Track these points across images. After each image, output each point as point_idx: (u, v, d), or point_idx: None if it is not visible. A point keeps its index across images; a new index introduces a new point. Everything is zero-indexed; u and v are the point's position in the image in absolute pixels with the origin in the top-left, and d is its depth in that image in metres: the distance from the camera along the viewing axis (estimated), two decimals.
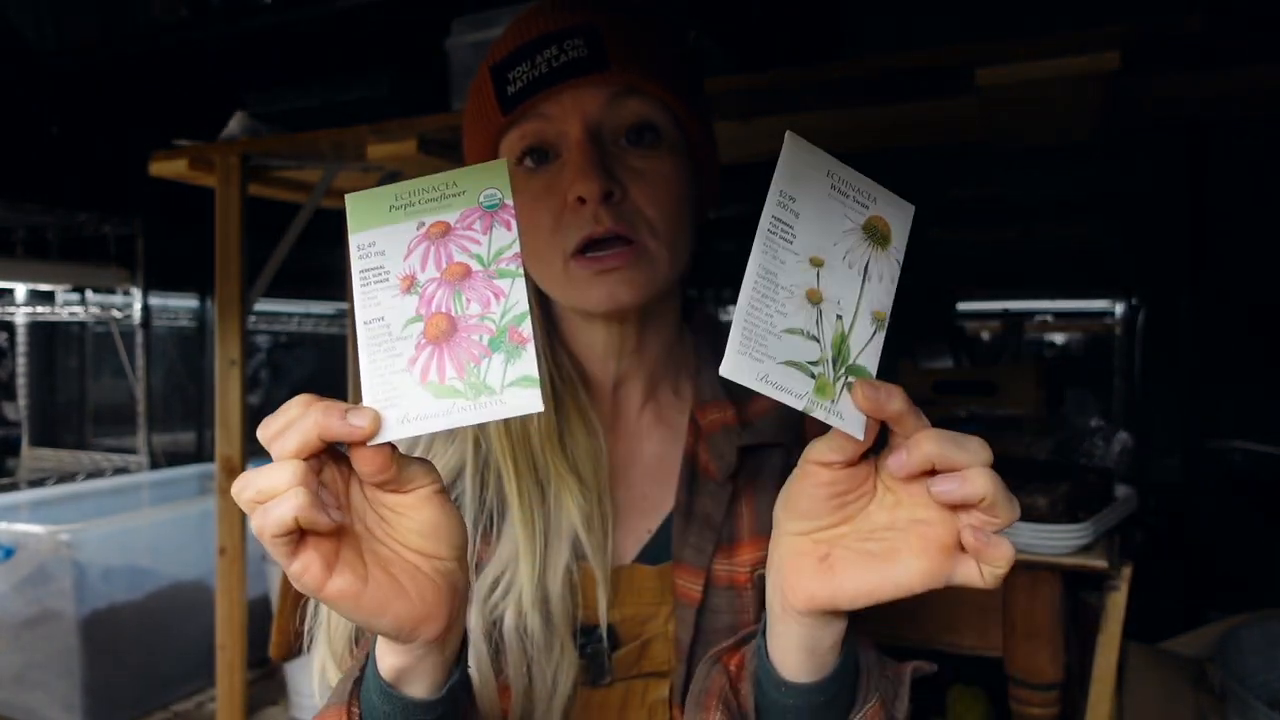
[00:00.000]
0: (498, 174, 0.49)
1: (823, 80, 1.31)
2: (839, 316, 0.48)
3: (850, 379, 0.48)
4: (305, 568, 0.44)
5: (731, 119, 1.45)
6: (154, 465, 3.05)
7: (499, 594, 0.66)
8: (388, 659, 0.50)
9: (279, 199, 2.08)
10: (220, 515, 1.85)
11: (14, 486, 2.85)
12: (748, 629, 0.64)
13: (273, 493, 0.43)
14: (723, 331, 0.47)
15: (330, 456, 0.47)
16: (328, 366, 2.97)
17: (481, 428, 0.69)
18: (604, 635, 0.69)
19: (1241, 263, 1.86)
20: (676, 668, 0.69)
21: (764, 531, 0.70)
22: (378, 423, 0.45)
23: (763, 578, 0.61)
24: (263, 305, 2.87)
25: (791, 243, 0.48)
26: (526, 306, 0.47)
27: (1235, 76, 1.31)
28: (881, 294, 0.50)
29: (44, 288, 3.18)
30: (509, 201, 0.48)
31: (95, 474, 2.98)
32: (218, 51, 2.42)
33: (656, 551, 0.72)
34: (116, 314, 3.06)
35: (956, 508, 0.47)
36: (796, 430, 0.73)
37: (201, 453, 3.06)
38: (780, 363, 0.47)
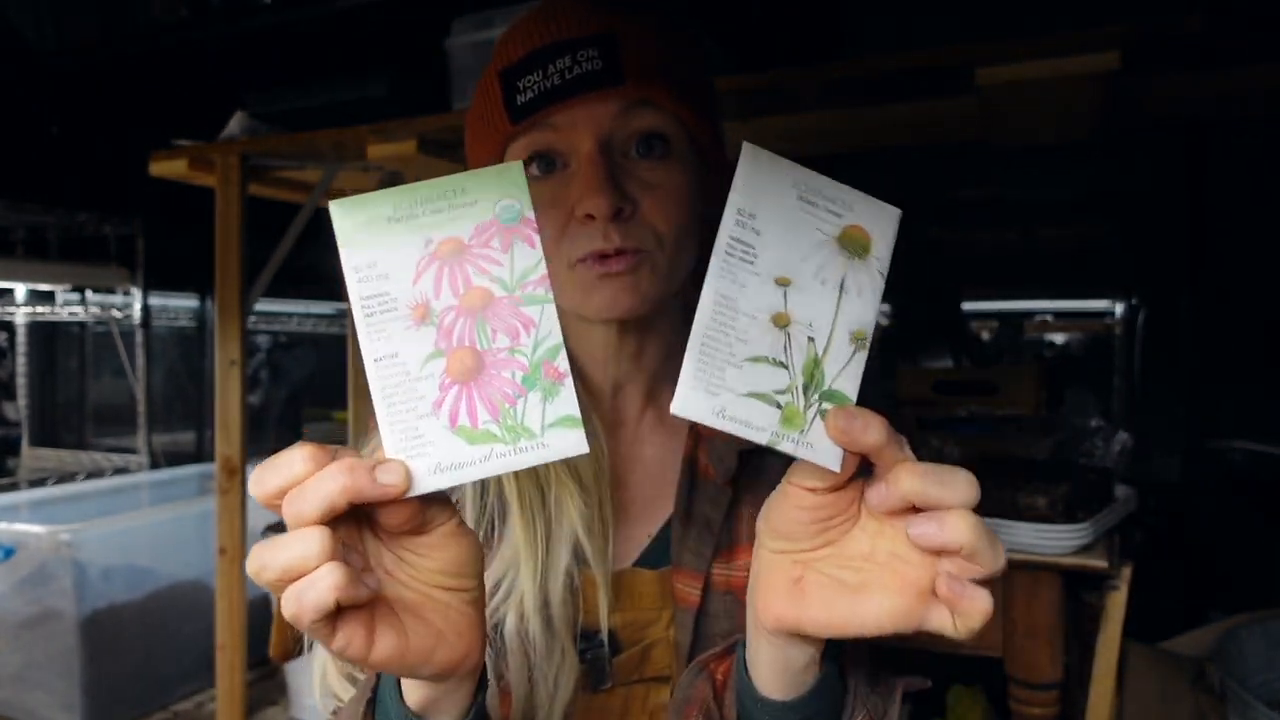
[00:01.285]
0: (513, 181, 0.43)
1: (823, 80, 1.31)
2: (810, 339, 0.44)
3: (825, 406, 0.44)
4: (348, 642, 0.41)
5: (731, 119, 1.45)
6: (154, 465, 3.05)
7: (500, 597, 0.66)
8: (417, 691, 0.48)
9: (279, 199, 2.08)
10: (220, 515, 1.85)
11: (14, 486, 2.85)
12: (734, 637, 0.63)
13: (301, 569, 0.39)
14: None
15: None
16: (328, 366, 2.97)
17: None
18: (605, 640, 0.68)
19: (1241, 263, 1.86)
20: (677, 672, 0.69)
21: None
22: (410, 478, 0.41)
23: None
24: (263, 305, 2.87)
25: (753, 263, 0.44)
26: (560, 338, 0.43)
27: (1235, 76, 1.31)
28: (861, 310, 0.45)
29: (44, 288, 3.18)
30: (529, 214, 0.43)
31: (95, 474, 2.98)
32: (218, 51, 2.42)
33: (656, 556, 0.71)
34: (116, 314, 3.07)
35: (935, 551, 0.44)
36: None
37: (201, 453, 3.06)
38: (740, 395, 0.43)
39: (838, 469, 0.44)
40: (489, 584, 0.66)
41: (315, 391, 3.04)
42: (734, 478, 0.70)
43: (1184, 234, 1.91)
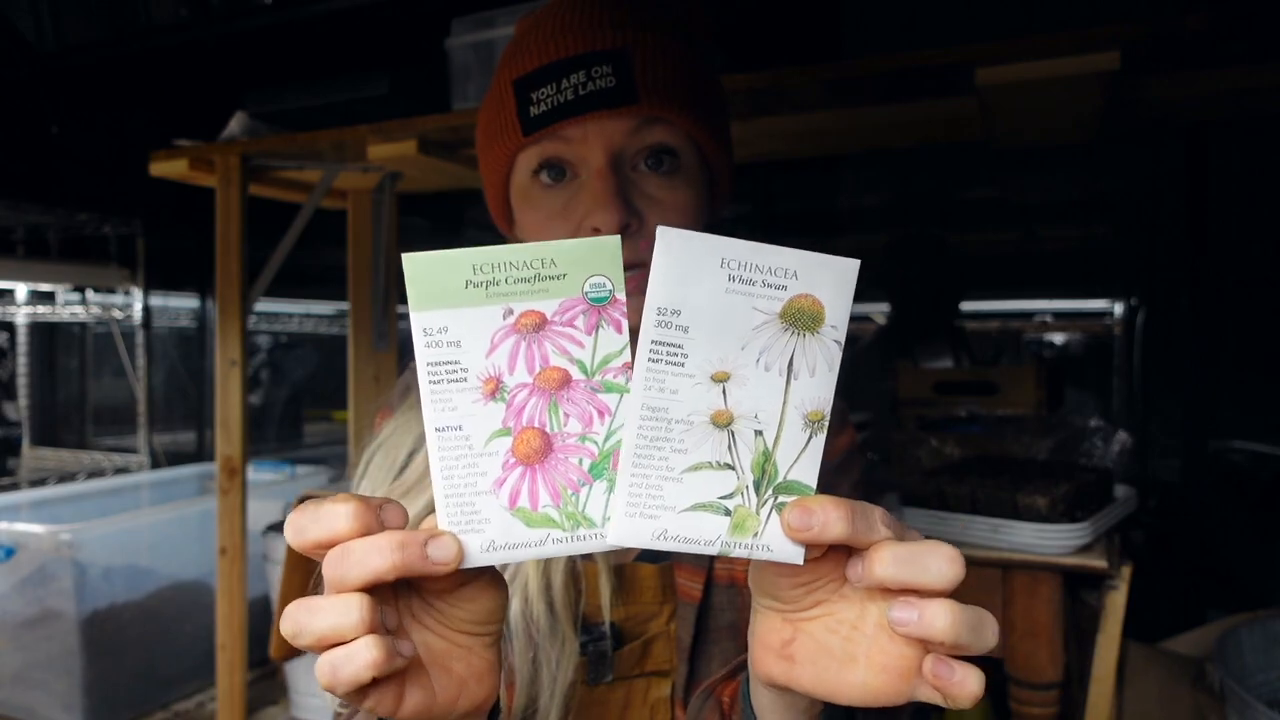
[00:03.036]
0: (608, 258, 0.40)
1: (823, 80, 1.31)
2: (758, 432, 0.41)
3: (782, 499, 0.41)
4: (378, 703, 0.41)
5: (732, 119, 1.45)
6: (154, 465, 3.05)
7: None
8: None
9: (279, 199, 2.08)
10: (220, 515, 1.85)
11: (14, 486, 2.85)
12: (740, 659, 0.63)
13: (338, 638, 0.38)
14: None
15: None
16: (328, 366, 2.97)
17: None
18: (607, 632, 0.69)
19: (1241, 263, 1.86)
20: (678, 667, 0.69)
21: None
22: (461, 555, 0.40)
23: None
24: (263, 305, 2.87)
25: (683, 364, 0.40)
26: None
27: (1235, 76, 1.31)
28: (815, 390, 0.41)
29: (44, 288, 3.18)
30: (620, 296, 0.41)
31: (96, 474, 2.98)
32: (218, 51, 2.42)
33: (657, 551, 0.72)
34: (117, 314, 3.07)
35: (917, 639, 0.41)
36: None
37: (202, 453, 3.06)
38: (682, 511, 0.40)
39: (800, 563, 0.41)
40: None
41: (315, 391, 3.04)
42: None
43: (1184, 234, 1.91)
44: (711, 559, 0.70)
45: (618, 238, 0.41)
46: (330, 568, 0.39)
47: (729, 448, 0.40)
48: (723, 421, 0.40)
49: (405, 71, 1.76)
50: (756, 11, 1.52)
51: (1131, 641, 1.40)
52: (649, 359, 0.40)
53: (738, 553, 0.41)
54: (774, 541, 0.41)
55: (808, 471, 0.41)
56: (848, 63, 1.28)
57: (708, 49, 0.74)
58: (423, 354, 0.40)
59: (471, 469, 0.40)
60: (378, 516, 0.40)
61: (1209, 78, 1.31)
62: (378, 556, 0.38)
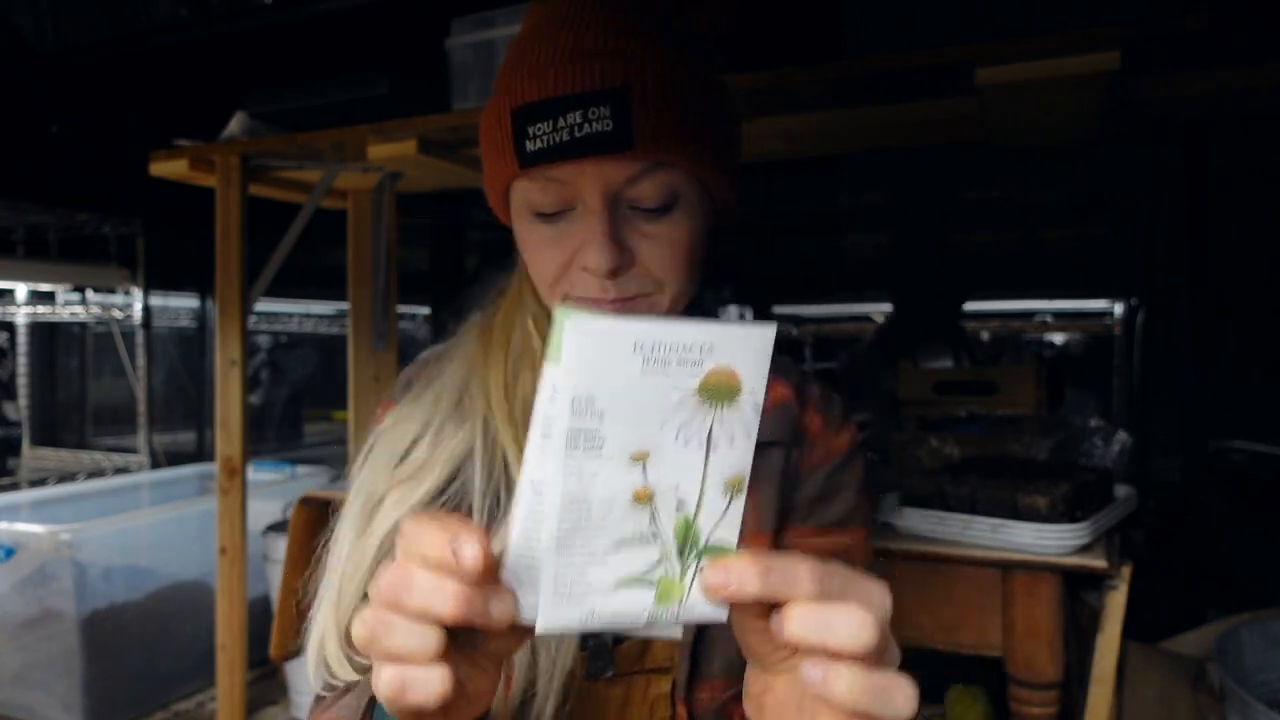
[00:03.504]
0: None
1: (823, 80, 1.31)
2: (680, 501, 0.40)
3: (704, 562, 0.41)
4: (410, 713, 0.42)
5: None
6: (154, 465, 3.05)
7: None
8: None
9: (279, 199, 2.08)
10: (220, 515, 1.85)
11: (14, 486, 2.85)
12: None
13: (409, 659, 0.39)
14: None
15: None
16: (328, 366, 2.98)
17: (487, 411, 0.70)
18: None
19: (1241, 263, 1.86)
20: (678, 664, 0.69)
21: (763, 528, 0.71)
22: (517, 618, 0.40)
23: None
24: (263, 305, 2.87)
25: (601, 449, 0.38)
26: None
27: (1235, 76, 1.31)
28: (734, 458, 0.41)
29: (44, 288, 3.18)
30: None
31: (95, 474, 2.99)
32: (218, 51, 2.42)
33: None
34: (117, 314, 3.07)
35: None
36: (794, 427, 0.73)
37: (202, 453, 3.06)
38: (608, 590, 0.40)
39: (724, 620, 0.42)
40: (495, 553, 0.66)
41: (315, 391, 3.04)
42: None
43: (1184, 234, 1.91)
44: None
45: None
46: (391, 588, 0.40)
47: (651, 518, 0.40)
48: (644, 498, 0.40)
49: (405, 71, 1.75)
50: (756, 11, 1.51)
51: (1131, 641, 1.40)
52: (566, 448, 0.38)
53: (664, 619, 0.41)
54: (697, 605, 0.41)
55: (729, 533, 0.41)
56: (848, 63, 1.28)
57: (711, 52, 0.74)
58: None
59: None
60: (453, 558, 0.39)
61: (1209, 78, 1.31)
62: (440, 600, 0.39)
